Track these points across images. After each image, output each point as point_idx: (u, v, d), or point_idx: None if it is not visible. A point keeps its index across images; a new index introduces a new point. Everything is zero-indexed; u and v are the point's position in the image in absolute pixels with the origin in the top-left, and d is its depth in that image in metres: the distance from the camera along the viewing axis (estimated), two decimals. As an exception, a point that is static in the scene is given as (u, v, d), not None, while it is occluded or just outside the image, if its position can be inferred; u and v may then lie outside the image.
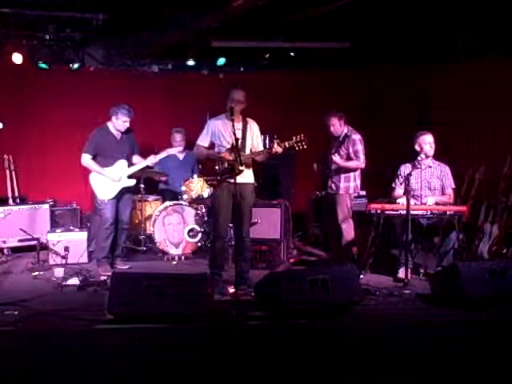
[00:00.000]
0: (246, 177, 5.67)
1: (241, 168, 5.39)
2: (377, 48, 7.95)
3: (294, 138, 5.56)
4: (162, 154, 6.67)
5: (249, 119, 5.77)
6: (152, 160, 6.58)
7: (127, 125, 6.38)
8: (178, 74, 8.60)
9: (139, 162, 6.54)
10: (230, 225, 6.39)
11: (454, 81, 7.85)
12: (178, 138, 7.66)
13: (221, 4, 5.64)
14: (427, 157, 6.08)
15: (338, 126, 6.46)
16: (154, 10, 6.55)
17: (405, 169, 6.21)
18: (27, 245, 7.07)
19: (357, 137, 6.39)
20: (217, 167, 5.73)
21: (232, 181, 5.60)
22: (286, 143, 5.58)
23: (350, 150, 6.38)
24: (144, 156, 6.63)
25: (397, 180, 6.29)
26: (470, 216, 6.66)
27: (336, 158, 6.34)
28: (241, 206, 5.62)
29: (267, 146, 5.92)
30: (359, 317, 4.95)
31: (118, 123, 6.35)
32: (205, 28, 6.56)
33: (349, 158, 6.41)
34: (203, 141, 5.84)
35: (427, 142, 6.08)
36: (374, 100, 8.52)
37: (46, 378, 3.75)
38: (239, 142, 5.50)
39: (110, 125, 6.42)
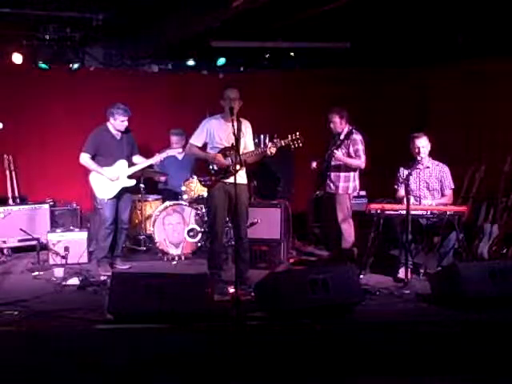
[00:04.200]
0: (241, 177, 5.66)
1: (237, 168, 5.40)
2: (377, 48, 7.96)
3: (290, 136, 5.55)
4: (162, 155, 6.70)
5: (242, 119, 5.75)
6: (156, 159, 6.60)
7: (126, 124, 6.39)
8: (177, 74, 8.60)
9: (142, 162, 6.55)
10: (230, 225, 6.41)
11: (454, 80, 7.85)
12: (173, 140, 7.66)
13: (221, 4, 5.63)
14: (421, 159, 6.07)
15: (338, 124, 6.46)
16: (153, 10, 6.55)
17: (403, 170, 6.20)
18: (27, 245, 7.07)
19: (358, 137, 6.39)
20: (210, 167, 5.74)
21: (227, 181, 5.62)
22: (282, 141, 5.57)
23: (351, 149, 6.38)
24: (143, 156, 6.65)
25: (398, 181, 6.29)
26: (470, 216, 6.66)
27: (339, 153, 6.33)
28: (237, 207, 5.62)
29: (264, 146, 5.90)
30: (359, 317, 4.95)
31: (117, 123, 6.36)
32: (205, 28, 6.55)
33: (348, 157, 6.41)
34: (197, 140, 5.84)
35: (417, 147, 6.07)
36: (374, 99, 8.52)
37: (46, 377, 3.75)
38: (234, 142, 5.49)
39: (109, 125, 6.42)
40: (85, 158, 6.35)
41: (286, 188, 8.06)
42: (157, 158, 6.65)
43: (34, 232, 7.07)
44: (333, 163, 6.45)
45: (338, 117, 6.45)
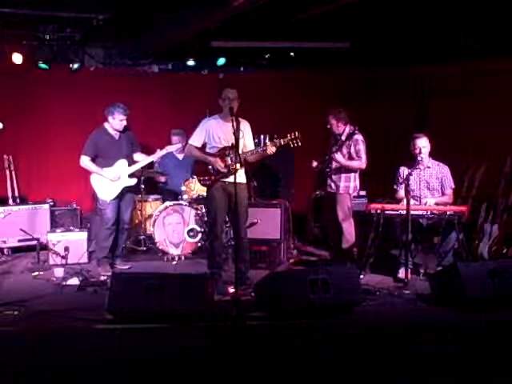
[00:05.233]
0: (240, 176, 5.65)
1: (237, 167, 5.40)
2: (377, 48, 7.95)
3: (289, 135, 5.56)
4: (162, 151, 6.70)
5: (241, 119, 5.73)
6: (157, 155, 6.62)
7: (124, 123, 6.39)
8: (178, 74, 8.61)
9: (143, 159, 6.55)
10: (230, 225, 6.41)
11: (454, 80, 7.85)
12: (174, 140, 7.65)
13: (221, 4, 5.63)
14: (422, 159, 6.06)
15: (334, 126, 6.45)
16: (153, 10, 6.55)
17: (404, 170, 6.20)
18: (27, 245, 7.08)
19: (359, 137, 6.38)
20: (210, 167, 5.74)
21: (226, 180, 5.62)
22: (281, 140, 5.57)
23: (352, 149, 6.37)
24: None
25: (397, 182, 6.28)
26: (470, 216, 6.65)
27: (339, 156, 6.33)
28: (237, 206, 5.62)
29: (264, 146, 5.89)
30: (359, 317, 4.95)
31: (115, 123, 6.35)
32: (205, 28, 6.56)
33: (350, 158, 6.41)
34: (196, 141, 5.83)
35: (417, 147, 6.07)
36: (374, 99, 8.52)
37: (45, 377, 3.75)
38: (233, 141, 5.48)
39: (107, 125, 6.41)
40: (85, 161, 6.35)
41: (286, 188, 8.07)
42: (157, 155, 6.66)
43: (34, 232, 7.08)
44: (333, 165, 6.44)
45: (335, 119, 6.42)
